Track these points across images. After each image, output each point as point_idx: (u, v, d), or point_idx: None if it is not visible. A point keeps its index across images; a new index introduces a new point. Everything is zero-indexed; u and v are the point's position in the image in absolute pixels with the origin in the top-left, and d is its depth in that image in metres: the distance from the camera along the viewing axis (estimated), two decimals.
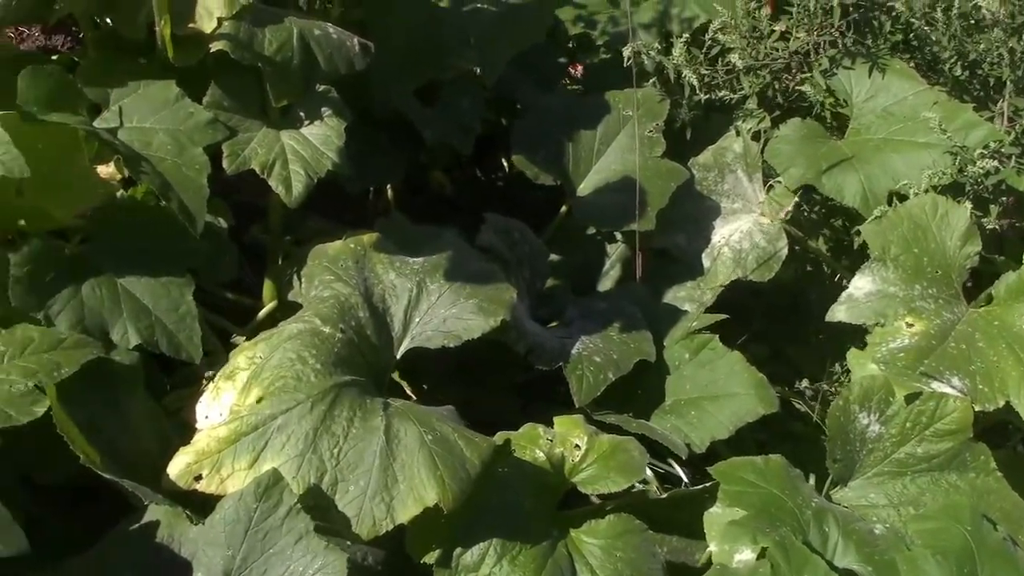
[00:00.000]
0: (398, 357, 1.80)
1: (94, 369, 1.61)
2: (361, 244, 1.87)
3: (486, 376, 2.17)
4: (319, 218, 2.22)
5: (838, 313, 2.00)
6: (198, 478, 1.55)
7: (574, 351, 1.92)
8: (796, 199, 2.23)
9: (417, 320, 1.80)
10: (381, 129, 2.28)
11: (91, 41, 1.95)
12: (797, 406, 2.27)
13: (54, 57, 2.18)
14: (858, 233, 2.36)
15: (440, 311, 1.80)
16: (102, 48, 1.90)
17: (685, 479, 1.97)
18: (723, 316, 2.10)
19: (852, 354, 2.07)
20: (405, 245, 1.91)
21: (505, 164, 2.90)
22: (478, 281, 1.84)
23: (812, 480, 1.88)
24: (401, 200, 2.52)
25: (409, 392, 2.02)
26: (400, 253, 1.88)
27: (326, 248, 1.86)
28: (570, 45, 2.61)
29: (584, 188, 2.31)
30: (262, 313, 2.08)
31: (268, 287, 2.09)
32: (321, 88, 1.88)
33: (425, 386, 2.10)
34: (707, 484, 1.75)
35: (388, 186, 2.45)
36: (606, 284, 2.36)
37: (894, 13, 2.33)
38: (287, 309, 1.99)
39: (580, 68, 2.74)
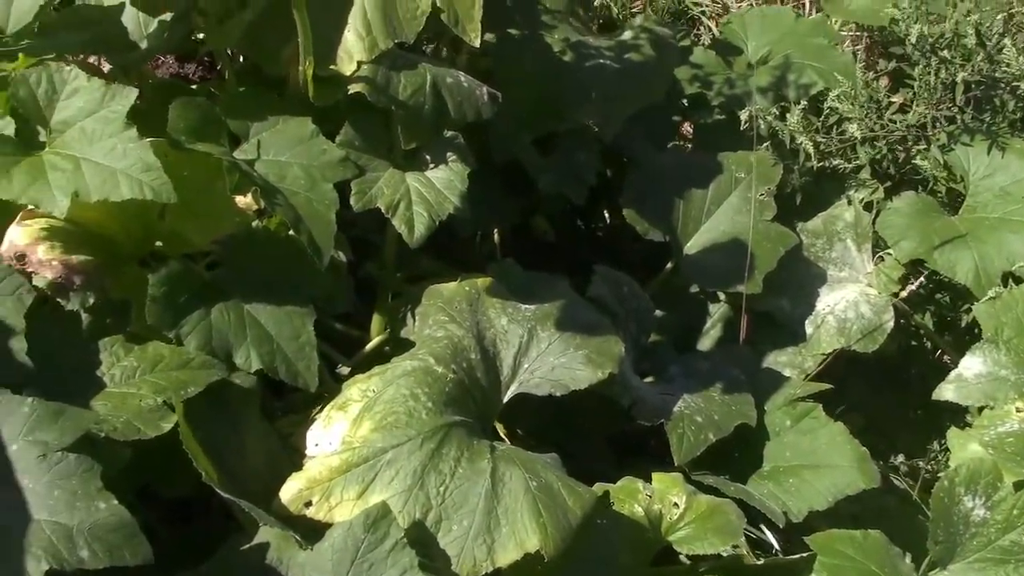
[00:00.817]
0: (504, 401, 1.83)
1: (216, 389, 1.67)
2: (475, 287, 1.91)
3: (582, 426, 2.19)
4: (430, 257, 2.27)
5: (946, 392, 1.98)
6: (308, 504, 1.59)
7: (676, 409, 1.94)
8: (920, 279, 2.22)
9: (526, 366, 1.83)
10: (495, 174, 2.33)
11: (232, 75, 2.04)
12: (895, 481, 2.24)
13: (193, 87, 2.28)
14: (966, 311, 2.34)
15: (549, 359, 1.83)
16: (243, 82, 1.99)
17: (776, 546, 1.96)
18: (826, 386, 2.09)
19: (952, 433, 2.05)
20: (517, 291, 1.95)
21: (607, 215, 2.95)
22: (588, 332, 1.87)
23: (908, 559, 1.86)
24: (505, 244, 2.57)
25: (503, 436, 2.04)
26: (512, 298, 1.92)
27: (441, 289, 1.91)
28: (684, 104, 2.64)
29: (691, 247, 2.33)
30: (369, 346, 2.13)
31: (377, 321, 2.14)
32: (449, 134, 1.94)
33: (519, 431, 2.12)
34: (803, 554, 1.74)
35: (495, 230, 2.51)
36: (705, 343, 2.37)
37: (1019, 92, 2.32)
38: (395, 344, 2.04)
39: (690, 127, 2.77)
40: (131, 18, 2.08)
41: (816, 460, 1.97)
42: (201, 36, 2.14)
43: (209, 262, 1.82)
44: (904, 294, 2.24)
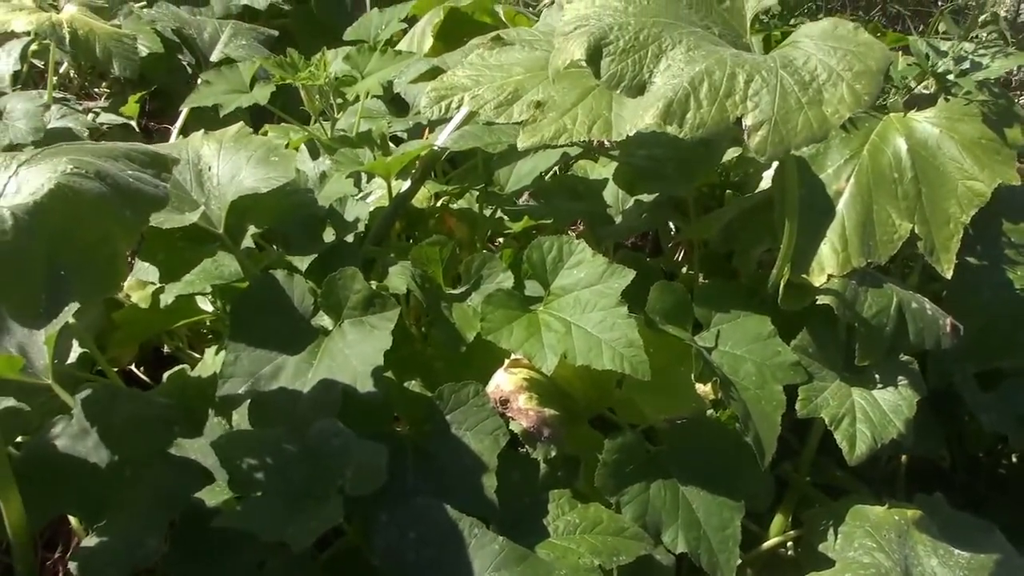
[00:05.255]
0: None
1: (640, 561, 1.73)
2: (904, 518, 1.85)
3: None
4: (841, 470, 2.23)
5: None
6: None
7: None
8: None
9: None
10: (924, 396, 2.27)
11: (699, 262, 2.17)
12: None
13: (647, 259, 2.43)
14: None
15: None
16: (709, 271, 2.11)
17: None
18: None
19: None
20: (946, 530, 1.87)
21: (1014, 457, 2.76)
22: None
23: None
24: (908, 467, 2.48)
25: None
26: (941, 539, 1.84)
27: (867, 512, 1.87)
28: None
29: None
30: (766, 544, 2.11)
31: (779, 521, 2.13)
32: (904, 358, 1.92)
33: None
34: None
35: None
36: None
37: None
38: (807, 554, 2.01)
39: None
40: (611, 193, 2.28)
41: None
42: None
43: (658, 440, 1.88)
44: None
